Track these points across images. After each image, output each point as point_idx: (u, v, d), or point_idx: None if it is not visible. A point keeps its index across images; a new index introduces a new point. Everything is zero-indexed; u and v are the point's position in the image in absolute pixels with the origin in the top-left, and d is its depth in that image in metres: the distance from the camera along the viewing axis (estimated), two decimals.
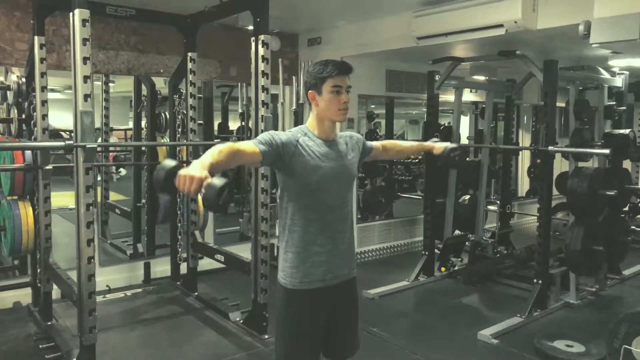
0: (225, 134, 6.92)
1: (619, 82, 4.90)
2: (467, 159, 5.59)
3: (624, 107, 4.94)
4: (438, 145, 2.44)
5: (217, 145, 1.68)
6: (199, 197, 4.52)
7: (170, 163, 1.57)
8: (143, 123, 5.31)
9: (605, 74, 4.81)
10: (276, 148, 1.80)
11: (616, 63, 5.33)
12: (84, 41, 2.75)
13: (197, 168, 1.51)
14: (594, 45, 3.42)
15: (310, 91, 1.91)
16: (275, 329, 2.01)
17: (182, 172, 1.49)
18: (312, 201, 1.88)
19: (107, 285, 4.43)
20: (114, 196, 6.36)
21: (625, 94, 5.00)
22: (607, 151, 3.98)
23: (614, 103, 4.84)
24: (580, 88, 4.65)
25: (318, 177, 1.86)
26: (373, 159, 2.31)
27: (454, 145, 2.42)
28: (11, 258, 4.42)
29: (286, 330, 1.95)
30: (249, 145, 1.76)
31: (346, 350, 2.07)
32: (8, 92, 4.09)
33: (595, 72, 4.80)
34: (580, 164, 4.32)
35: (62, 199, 5.17)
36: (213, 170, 1.56)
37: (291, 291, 1.91)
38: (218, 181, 1.50)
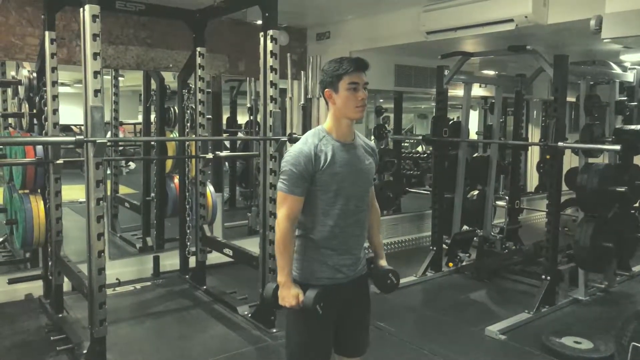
0: (233, 129, 6.94)
1: (630, 77, 4.85)
2: (476, 154, 5.57)
3: (636, 103, 4.89)
4: (383, 261, 2.12)
5: (278, 235, 1.87)
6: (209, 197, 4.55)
7: (269, 290, 1.95)
8: (152, 117, 5.34)
9: (617, 69, 4.76)
10: (305, 178, 1.85)
11: (628, 58, 5.27)
12: (94, 37, 2.76)
13: (287, 293, 1.86)
14: (605, 40, 3.39)
15: (326, 89, 1.90)
16: (285, 322, 2.03)
17: (281, 302, 1.89)
18: (328, 207, 1.89)
19: (117, 279, 4.47)
20: (123, 190, 6.41)
21: (636, 89, 4.95)
22: (617, 147, 3.95)
23: (626, 98, 4.79)
24: (591, 83, 4.61)
25: (336, 183, 1.87)
26: None
27: (393, 271, 2.09)
28: (23, 251, 4.47)
29: (298, 324, 1.97)
30: (292, 201, 1.85)
31: (357, 347, 2.09)
32: (19, 86, 4.13)
33: (606, 67, 4.76)
34: (591, 160, 4.29)
35: (72, 192, 5.21)
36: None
37: (301, 284, 1.93)
38: (310, 294, 1.85)
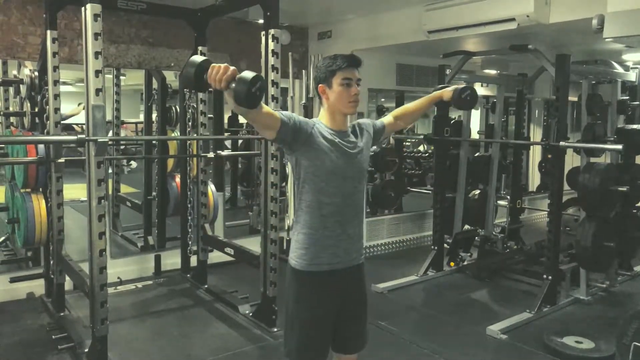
0: (235, 128, 6.94)
1: (632, 76, 4.83)
2: (477, 153, 5.57)
3: (638, 102, 4.88)
4: (447, 90, 2.36)
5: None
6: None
7: (198, 58, 1.55)
8: (154, 116, 5.34)
9: (619, 68, 4.75)
10: (293, 125, 1.81)
11: (630, 57, 5.27)
12: (96, 36, 2.77)
13: (226, 65, 1.53)
14: (607, 40, 3.38)
15: (320, 85, 1.93)
16: (284, 318, 2.04)
17: (215, 64, 1.51)
18: (324, 185, 1.90)
19: (118, 277, 4.48)
20: (124, 189, 6.41)
21: (639, 88, 4.94)
22: (619, 147, 3.94)
23: (628, 98, 4.78)
24: (593, 82, 4.60)
25: (331, 162, 1.89)
26: (390, 133, 2.30)
27: (462, 85, 2.35)
28: (25, 250, 4.48)
29: (296, 316, 1.98)
30: (272, 113, 1.78)
31: (355, 344, 2.09)
32: (21, 85, 4.13)
33: (608, 66, 4.74)
34: (592, 160, 4.28)
35: (73, 191, 5.22)
36: None
37: (300, 272, 1.95)
38: (249, 73, 1.50)
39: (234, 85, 1.49)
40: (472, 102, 2.38)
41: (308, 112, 5.28)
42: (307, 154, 1.88)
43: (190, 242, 4.65)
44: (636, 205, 4.77)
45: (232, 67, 1.52)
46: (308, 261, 1.93)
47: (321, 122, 1.95)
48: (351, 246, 1.99)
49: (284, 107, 5.03)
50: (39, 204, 3.73)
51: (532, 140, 7.55)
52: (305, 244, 1.94)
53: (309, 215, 1.93)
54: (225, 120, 6.23)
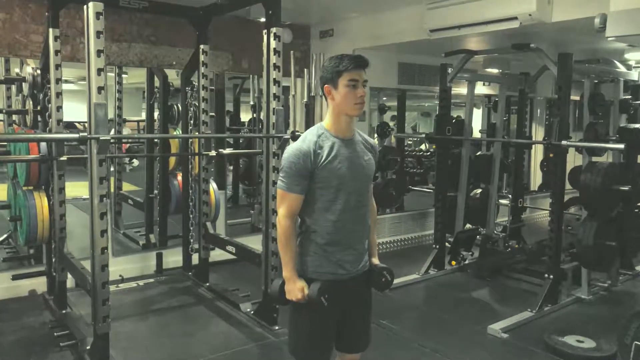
0: (236, 126, 6.95)
1: (634, 75, 4.83)
2: (479, 152, 5.57)
3: None
4: (375, 260, 2.11)
5: (280, 232, 1.92)
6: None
7: (276, 286, 1.99)
8: (156, 114, 5.35)
9: (621, 67, 4.74)
10: (304, 176, 1.86)
11: (632, 56, 5.25)
12: (98, 34, 2.77)
13: (292, 287, 1.90)
14: (609, 39, 3.37)
15: (326, 85, 1.92)
16: (287, 319, 2.04)
17: (287, 296, 1.93)
18: (330, 203, 1.90)
19: (120, 275, 4.48)
20: (126, 187, 6.43)
21: None
22: (621, 146, 3.93)
23: (630, 97, 4.77)
24: (595, 81, 4.59)
25: (337, 179, 1.88)
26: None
27: (387, 268, 2.08)
28: (27, 247, 4.50)
29: (299, 321, 1.99)
30: (292, 199, 1.87)
31: (358, 343, 2.10)
32: (23, 83, 4.14)
33: (610, 66, 4.73)
34: (594, 159, 4.27)
35: (76, 189, 5.23)
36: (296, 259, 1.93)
37: (302, 277, 1.94)
38: (314, 286, 1.89)
39: (307, 298, 1.91)
40: (383, 285, 2.07)
41: (309, 110, 5.28)
42: (313, 179, 1.89)
43: (191, 240, 4.65)
44: (638, 204, 4.76)
45: (300, 297, 1.89)
46: (313, 269, 1.94)
47: (325, 128, 1.93)
48: (357, 260, 1.99)
49: (286, 106, 5.03)
50: (41, 202, 3.74)
51: (534, 139, 7.54)
52: (309, 252, 1.94)
53: (313, 229, 1.93)
54: (227, 119, 6.24)
